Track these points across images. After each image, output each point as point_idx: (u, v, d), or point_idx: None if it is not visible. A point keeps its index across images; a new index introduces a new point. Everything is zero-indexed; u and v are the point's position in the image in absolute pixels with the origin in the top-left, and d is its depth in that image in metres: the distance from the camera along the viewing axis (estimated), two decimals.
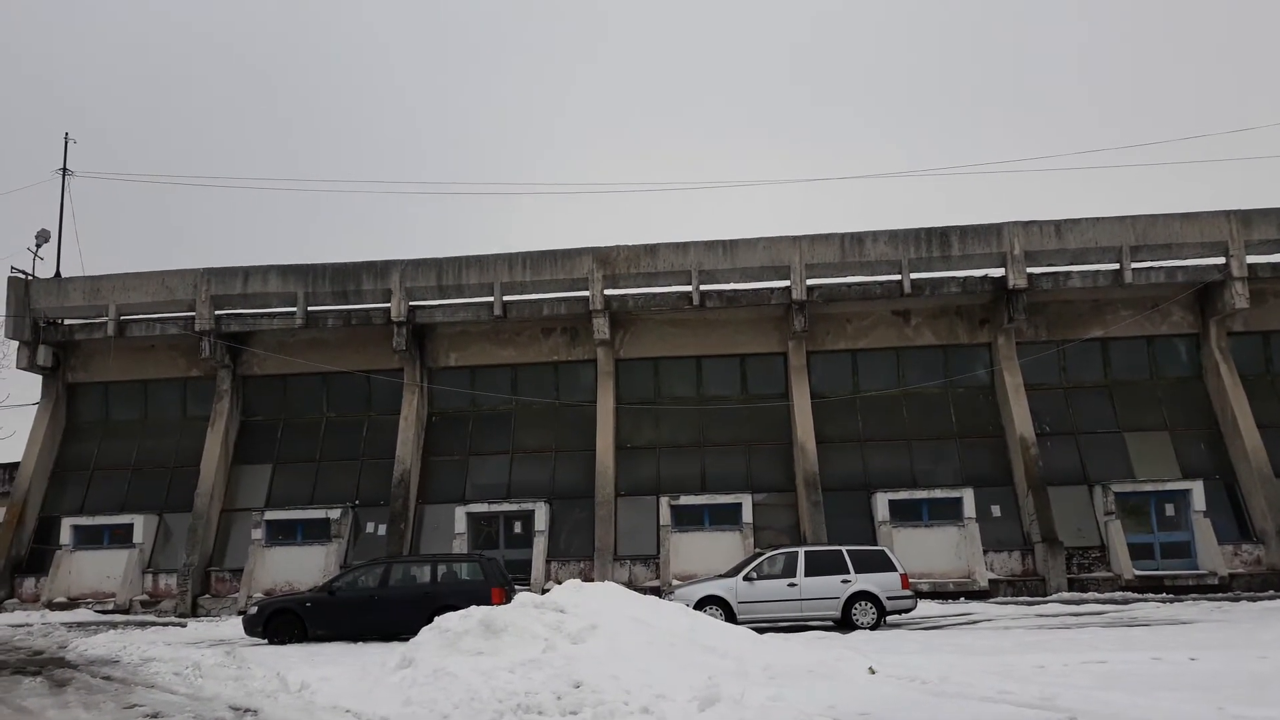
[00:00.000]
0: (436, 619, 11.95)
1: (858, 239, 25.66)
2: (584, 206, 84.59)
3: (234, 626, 19.12)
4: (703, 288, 25.90)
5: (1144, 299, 25.51)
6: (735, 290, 26.13)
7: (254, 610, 17.86)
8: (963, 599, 22.30)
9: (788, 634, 15.81)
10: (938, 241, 25.37)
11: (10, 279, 28.18)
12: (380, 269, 26.97)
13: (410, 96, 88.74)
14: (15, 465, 28.86)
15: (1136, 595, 21.90)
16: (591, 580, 18.54)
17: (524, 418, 27.40)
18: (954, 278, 25.49)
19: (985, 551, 23.51)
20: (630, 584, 22.29)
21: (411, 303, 26.78)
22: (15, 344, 28.09)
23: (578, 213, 79.79)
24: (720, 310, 26.33)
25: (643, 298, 26.38)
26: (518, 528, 25.53)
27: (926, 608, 20.16)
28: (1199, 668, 11.82)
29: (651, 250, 26.19)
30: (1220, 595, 21.70)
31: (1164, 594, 22.01)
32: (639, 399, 26.98)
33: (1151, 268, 24.91)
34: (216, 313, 27.39)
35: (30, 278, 28.59)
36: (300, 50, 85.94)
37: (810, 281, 25.62)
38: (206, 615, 24.60)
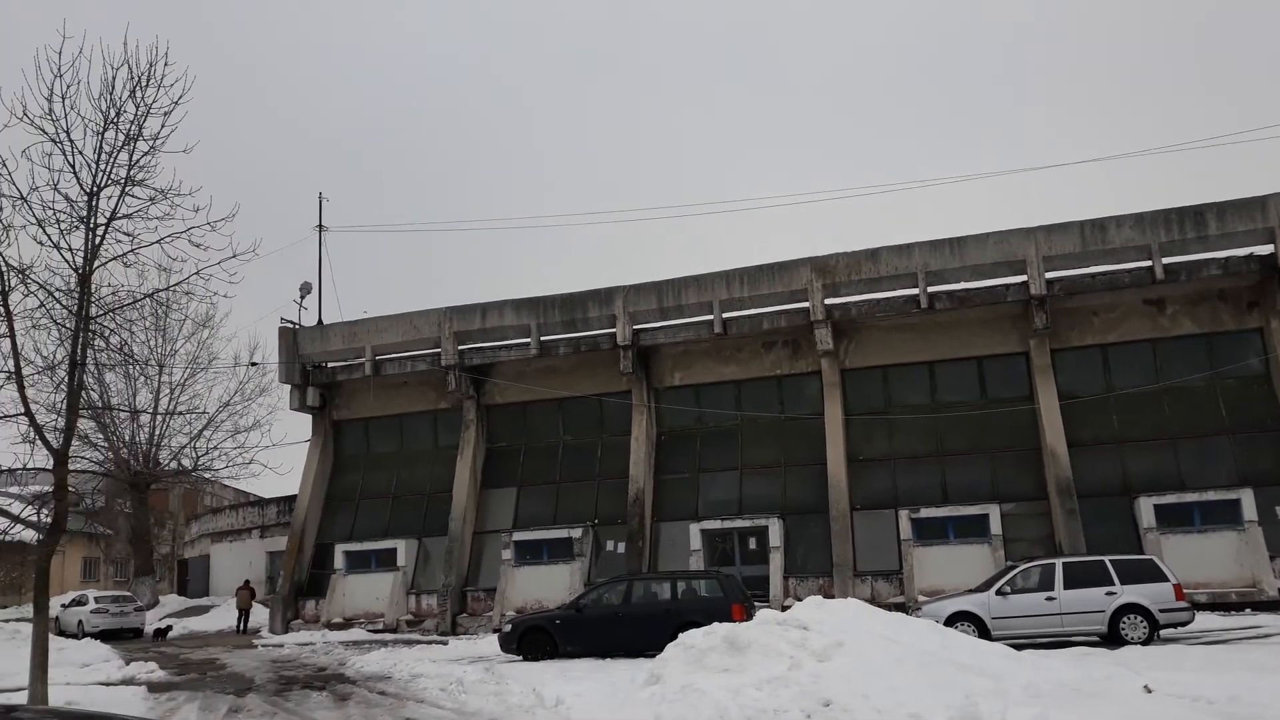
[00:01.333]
0: (681, 635, 12.10)
1: (1099, 225, 23.93)
2: (793, 220, 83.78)
3: (490, 643, 20.11)
4: (930, 289, 24.95)
5: None
6: (966, 290, 25.00)
7: (508, 628, 18.73)
8: (1248, 610, 20.14)
9: (1049, 650, 14.85)
10: (1191, 221, 23.24)
11: (281, 329, 31.25)
12: (604, 295, 27.81)
13: (608, 133, 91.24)
14: (293, 498, 31.88)
15: None
16: (831, 597, 18.17)
17: (750, 433, 27.35)
18: (1214, 259, 23.27)
19: (1272, 558, 21.14)
20: (873, 600, 21.67)
21: (635, 326, 27.43)
22: (288, 388, 31.12)
23: (787, 227, 79.14)
24: (951, 312, 25.26)
25: (865, 304, 25.75)
26: (752, 544, 25.45)
27: (1205, 620, 18.37)
28: None
29: (872, 255, 25.54)
30: None
31: None
32: (868, 409, 26.29)
33: None
34: (459, 348, 29.17)
35: (297, 327, 31.58)
36: (490, 97, 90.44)
37: (1049, 274, 24.13)
38: (465, 633, 26.06)
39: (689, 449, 27.88)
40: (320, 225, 33.64)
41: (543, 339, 28.40)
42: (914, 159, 79.53)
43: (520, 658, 17.99)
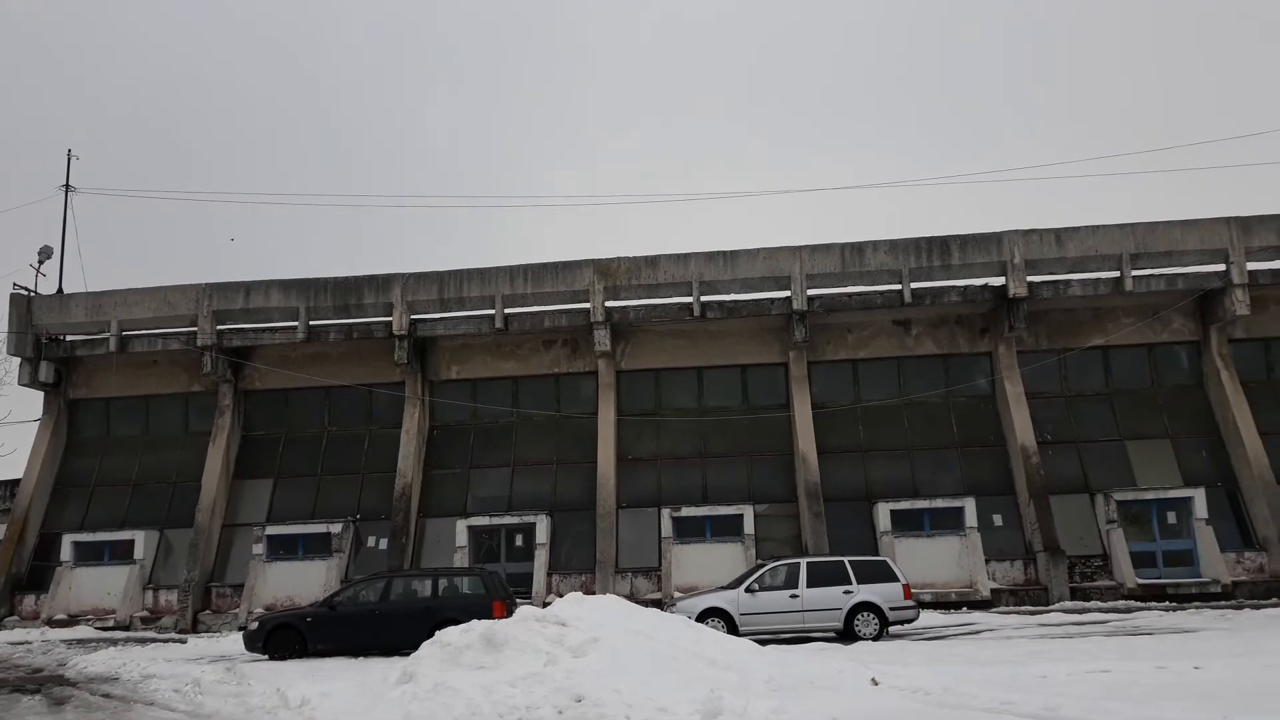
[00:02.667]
0: (437, 633, 11.93)
1: (858, 249, 25.68)
2: (583, 219, 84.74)
3: (234, 642, 19.07)
4: (703, 299, 25.92)
5: (1145, 306, 25.50)
6: (736, 301, 26.16)
7: (254, 626, 17.81)
8: (965, 609, 22.23)
9: (790, 646, 15.76)
10: (938, 251, 25.38)
11: (13, 296, 28.23)
12: (382, 282, 27.00)
13: (401, 109, 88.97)
14: (16, 482, 28.85)
15: (1139, 604, 21.81)
16: (593, 593, 18.49)
17: (525, 430, 27.40)
18: (954, 286, 25.51)
19: (987, 561, 23.45)
20: (632, 596, 22.24)
21: (413, 316, 26.81)
22: (17, 361, 28.13)
23: (577, 226, 79.90)
24: (721, 321, 26.35)
25: (644, 309, 26.40)
26: (519, 541, 25.50)
27: (929, 618, 20.10)
28: (1203, 677, 11.77)
29: (652, 262, 26.22)
30: (1223, 603, 21.60)
31: (1167, 602, 21.91)
32: (640, 410, 26.97)
33: (1152, 275, 24.89)
34: (218, 328, 27.42)
35: (32, 294, 28.64)
36: (291, 64, 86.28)
37: (811, 291, 25.64)
38: (207, 631, 24.54)
39: (462, 444, 27.56)
40: (68, 185, 30.69)
41: (312, 323, 27.18)
42: (702, 171, 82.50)
43: (266, 657, 17.16)
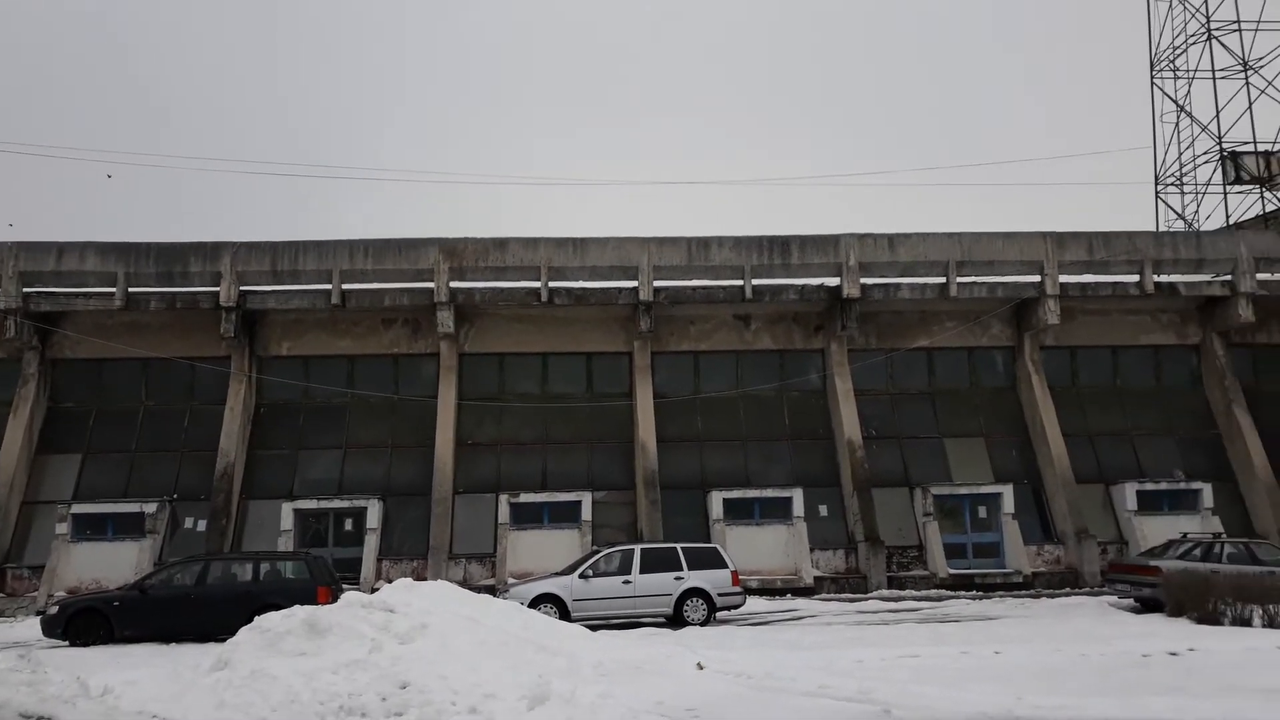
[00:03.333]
0: (257, 619, 11.43)
1: (704, 243, 26.12)
2: (430, 198, 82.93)
3: (31, 628, 17.76)
4: (552, 284, 25.78)
5: (967, 312, 27.01)
6: (584, 288, 26.14)
7: (54, 610, 16.64)
8: (789, 595, 23.04)
9: (621, 631, 15.94)
10: (779, 250, 26.11)
11: None
12: (210, 251, 25.60)
13: (247, 75, 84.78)
14: None
15: (950, 592, 23.17)
16: (425, 580, 18.14)
17: (359, 411, 26.60)
18: (793, 285, 26.30)
19: (812, 549, 24.36)
20: (465, 583, 21.99)
21: (243, 287, 25.53)
22: None
23: (423, 205, 78.14)
24: (568, 308, 26.30)
25: (490, 292, 26.05)
26: (349, 525, 24.75)
27: (755, 604, 20.73)
28: (1003, 661, 12.61)
29: (500, 244, 25.90)
30: (1024, 592, 23.22)
31: (974, 591, 23.36)
32: (482, 395, 26.63)
33: (975, 282, 26.37)
34: (25, 290, 25.33)
35: None
36: (145, 14, 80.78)
37: (657, 283, 25.90)
38: (0, 616, 22.73)
39: (291, 424, 26.50)
40: None
41: (131, 290, 25.46)
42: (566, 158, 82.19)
43: (67, 643, 16.06)
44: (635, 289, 25.78)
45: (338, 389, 26.56)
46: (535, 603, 16.80)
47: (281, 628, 10.91)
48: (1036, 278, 26.24)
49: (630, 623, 17.48)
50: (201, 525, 24.46)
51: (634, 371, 26.67)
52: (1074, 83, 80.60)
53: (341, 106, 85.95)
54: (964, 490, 25.47)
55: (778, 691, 10.42)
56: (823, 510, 25.40)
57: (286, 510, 24.20)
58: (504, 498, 24.61)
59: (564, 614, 16.98)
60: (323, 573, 17.25)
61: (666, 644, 13.68)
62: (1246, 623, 15.36)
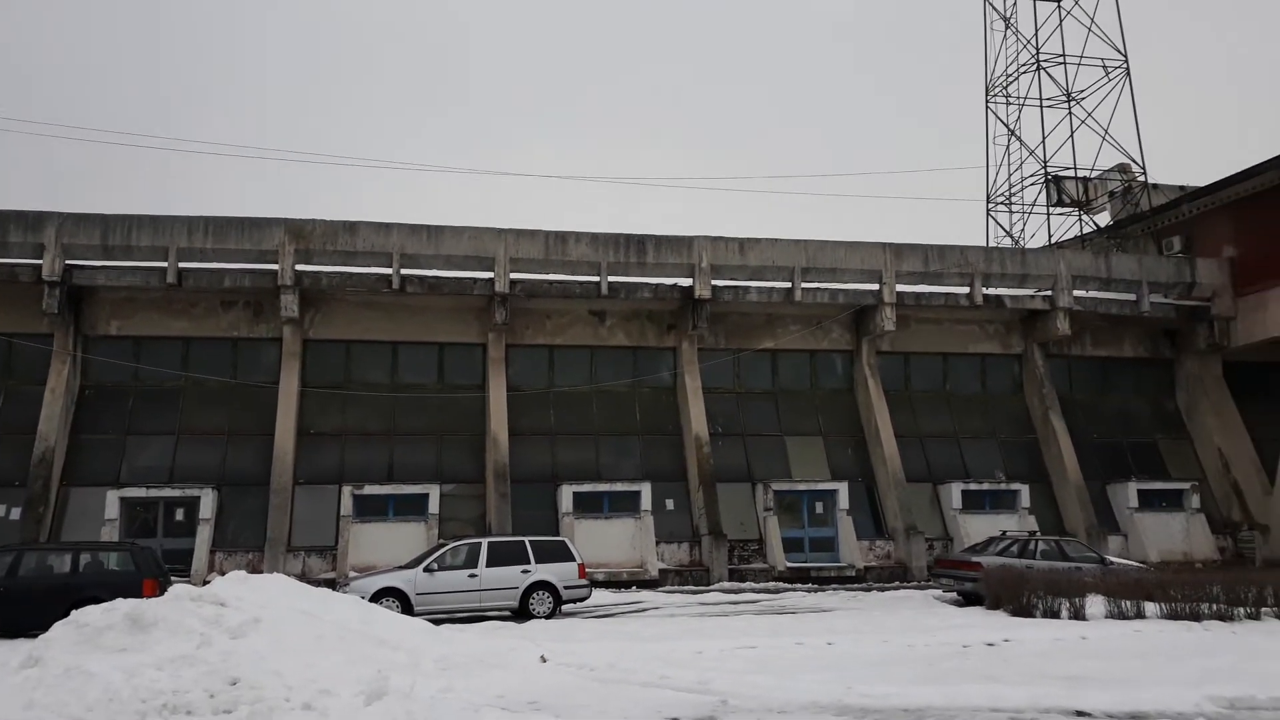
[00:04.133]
0: (74, 612, 10.78)
1: (561, 238, 26.14)
2: (280, 179, 79.79)
3: None
4: (404, 271, 25.23)
5: (810, 316, 28.00)
6: (438, 277, 25.70)
7: None
8: (635, 588, 23.36)
9: (466, 625, 15.83)
10: (635, 248, 26.40)
11: None
12: (32, 220, 23.86)
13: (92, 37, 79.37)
14: None
15: (787, 585, 24.00)
16: (260, 572, 17.50)
17: (195, 396, 25.37)
18: (647, 284, 26.63)
19: (658, 543, 24.79)
20: (304, 577, 21.26)
21: (69, 261, 23.92)
22: None
23: (272, 185, 75.09)
24: (421, 296, 25.81)
25: (338, 277, 25.27)
26: (180, 515, 23.58)
27: (601, 596, 20.94)
28: (835, 651, 13.19)
29: (351, 228, 25.18)
30: (856, 585, 24.28)
31: (810, 584, 24.28)
32: (327, 383, 25.84)
33: (818, 288, 27.34)
34: None
35: None
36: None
37: (514, 275, 25.74)
38: None
39: (119, 408, 25.03)
40: None
41: None
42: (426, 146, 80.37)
43: None
44: (491, 280, 25.54)
45: (171, 372, 25.24)
46: (377, 597, 16.47)
47: (101, 622, 10.34)
48: (875, 286, 27.43)
49: (476, 617, 17.37)
50: (15, 513, 22.81)
51: (488, 363, 26.44)
52: (923, 101, 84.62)
53: (187, 78, 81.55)
54: (803, 487, 26.44)
55: (619, 683, 10.60)
56: (669, 504, 25.88)
57: (111, 498, 22.86)
58: (348, 489, 23.97)
59: (407, 608, 16.71)
60: (149, 565, 16.38)
61: (511, 637, 13.69)
62: (1056, 615, 16.54)
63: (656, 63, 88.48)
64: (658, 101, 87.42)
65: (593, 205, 75.78)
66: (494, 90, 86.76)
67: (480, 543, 18.25)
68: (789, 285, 27.00)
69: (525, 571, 17.81)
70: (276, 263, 24.56)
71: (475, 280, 25.73)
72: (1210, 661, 12.01)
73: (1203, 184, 30.94)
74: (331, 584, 20.27)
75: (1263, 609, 16.13)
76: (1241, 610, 16.01)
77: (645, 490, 25.00)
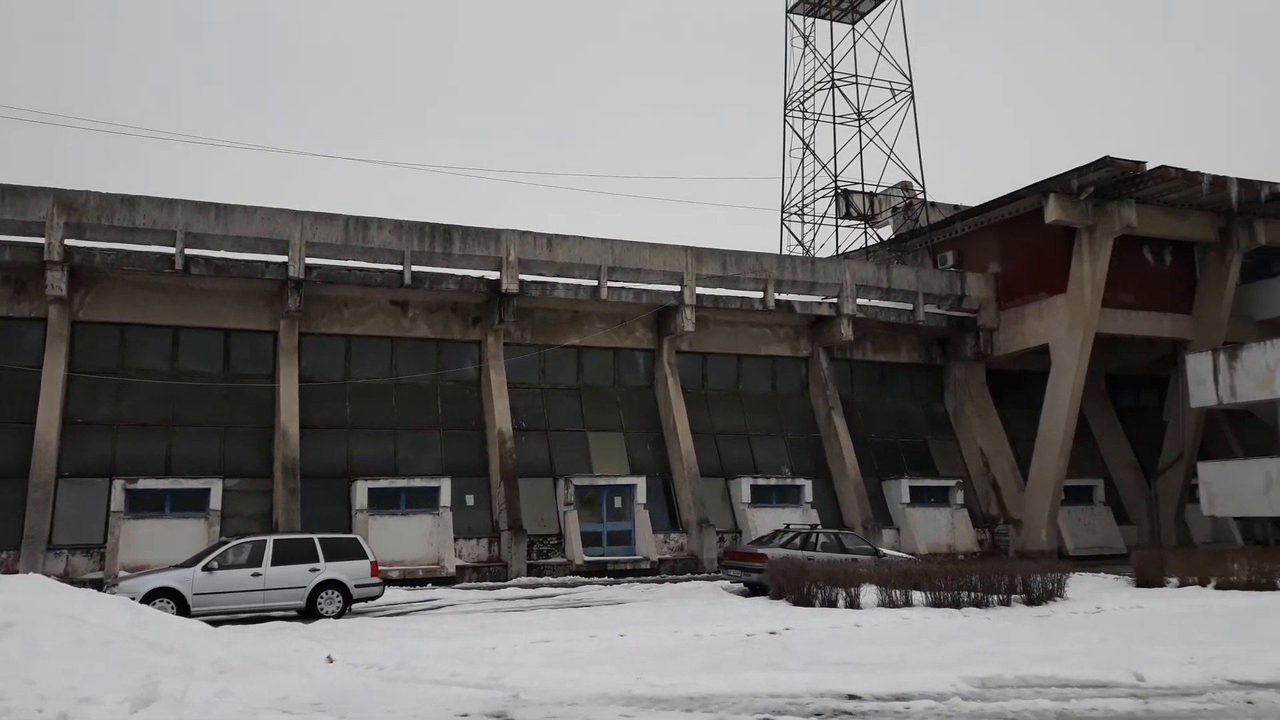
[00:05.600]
0: None
1: (363, 223, 25.34)
2: (55, 143, 73.11)
3: None
4: (189, 251, 23.71)
5: (615, 315, 28.43)
6: (226, 259, 24.31)
7: None
8: (431, 585, 23.00)
9: (248, 626, 15.13)
10: (441, 238, 25.95)
11: None
12: None
13: None
14: None
15: (584, 579, 24.31)
16: (16, 573, 16.06)
17: None
18: (453, 275, 26.22)
19: (456, 539, 24.51)
20: (66, 577, 19.72)
21: None
22: None
23: (44, 151, 68.77)
24: (207, 279, 24.33)
25: (114, 254, 23.44)
26: None
27: (396, 594, 20.50)
28: (627, 643, 13.49)
29: (130, 202, 23.43)
30: (650, 578, 24.92)
31: (607, 577, 24.69)
32: (98, 368, 23.94)
33: (623, 288, 27.81)
34: None
35: None
36: None
37: (310, 260, 24.69)
38: None
39: None
40: None
41: None
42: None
43: None
44: (285, 264, 24.42)
45: None
46: (150, 598, 15.45)
47: None
48: (677, 288, 28.19)
49: (260, 617, 16.61)
50: None
51: (279, 352, 25.26)
52: (732, 111, 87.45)
53: None
54: (603, 481, 26.84)
55: (409, 681, 10.43)
56: (470, 500, 25.63)
57: None
58: (119, 483, 22.32)
59: (184, 610, 15.77)
60: None
61: (296, 638, 13.19)
62: (833, 604, 17.54)
63: (473, 56, 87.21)
64: (469, 94, 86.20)
65: (401, 195, 73.87)
66: (312, 72, 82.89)
67: (265, 540, 17.45)
68: (595, 283, 27.31)
69: (314, 570, 17.18)
70: (43, 236, 22.52)
71: (267, 264, 24.53)
72: (967, 645, 13.10)
73: (974, 204, 33.60)
74: (99, 585, 18.84)
75: (1013, 596, 17.74)
76: (995, 598, 17.55)
77: (445, 486, 24.64)
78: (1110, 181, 28.03)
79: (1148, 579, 20.90)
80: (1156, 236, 30.35)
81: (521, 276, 26.44)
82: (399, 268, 25.50)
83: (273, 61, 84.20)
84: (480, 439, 26.66)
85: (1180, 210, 29.81)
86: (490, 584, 23.51)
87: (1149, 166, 27.54)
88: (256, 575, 16.78)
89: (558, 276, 27.20)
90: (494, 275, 26.36)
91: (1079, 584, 19.85)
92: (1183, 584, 20.43)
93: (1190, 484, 30.69)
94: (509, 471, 25.65)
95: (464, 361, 27.42)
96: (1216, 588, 19.78)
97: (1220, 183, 28.36)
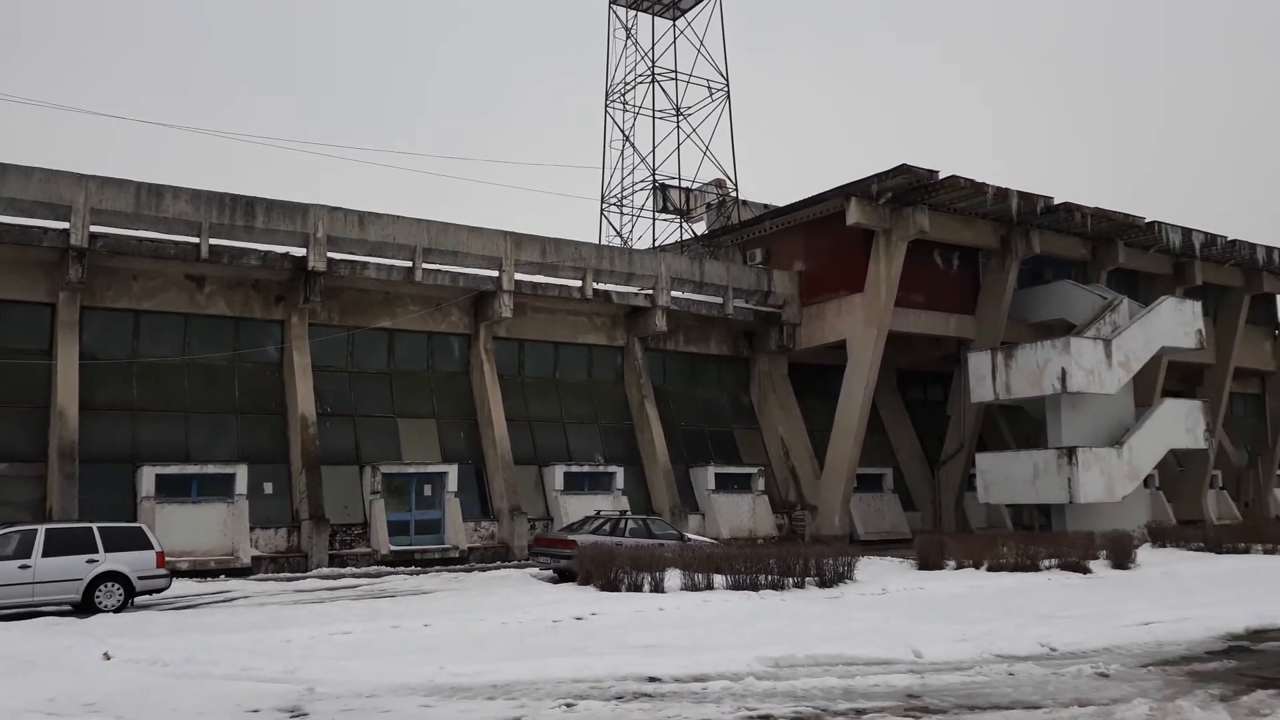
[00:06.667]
0: None
1: (156, 191, 23.69)
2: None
3: None
4: None
5: (430, 297, 27.84)
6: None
7: None
8: (224, 577, 21.87)
9: (14, 622, 13.94)
10: (243, 210, 24.61)
11: None
12: None
13: None
14: None
15: (390, 569, 23.71)
16: None
17: None
18: (255, 250, 24.91)
19: (253, 528, 23.39)
20: None
21: None
22: None
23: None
24: None
25: None
26: None
27: (185, 587, 19.39)
28: (431, 632, 13.30)
29: None
30: (459, 566, 24.62)
31: (414, 567, 24.20)
32: None
33: (440, 270, 27.25)
34: None
35: None
36: None
37: (95, 229, 22.84)
38: None
39: None
40: None
41: None
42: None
43: None
44: (66, 232, 22.50)
45: None
46: None
47: None
48: (496, 273, 27.90)
49: (28, 613, 15.31)
50: None
51: (57, 327, 23.24)
52: (563, 99, 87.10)
53: None
54: (412, 469, 26.28)
55: (196, 677, 9.92)
56: (268, 488, 24.51)
57: None
58: None
59: None
60: None
61: (69, 634, 12.28)
62: (639, 589, 17.88)
63: (309, 33, 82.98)
64: (294, 69, 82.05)
65: (204, 165, 69.51)
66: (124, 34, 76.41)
67: (35, 530, 16.06)
68: (410, 264, 26.64)
69: (91, 561, 15.97)
70: None
71: (46, 230, 22.54)
72: (764, 626, 13.69)
73: (783, 204, 34.95)
74: None
75: (807, 579, 18.65)
76: (791, 580, 18.40)
77: (242, 473, 23.42)
78: (907, 188, 29.80)
79: (929, 562, 22.40)
80: (946, 242, 32.52)
81: (331, 254, 25.46)
82: (195, 240, 24.00)
83: (90, 20, 77.36)
84: (281, 424, 25.52)
85: (967, 218, 32.07)
86: (289, 575, 22.59)
87: (942, 175, 29.45)
88: (25, 568, 15.43)
89: (370, 256, 26.34)
90: (300, 252, 25.25)
91: (867, 567, 21.03)
92: (960, 566, 22.01)
93: (969, 473, 33.21)
94: (312, 458, 24.69)
95: (265, 342, 26.16)
96: (989, 569, 21.44)
97: (1003, 194, 30.68)
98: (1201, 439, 32.47)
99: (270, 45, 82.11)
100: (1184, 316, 32.52)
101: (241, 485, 23.32)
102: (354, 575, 22.51)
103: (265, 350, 26.08)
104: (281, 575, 22.56)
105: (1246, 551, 25.22)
